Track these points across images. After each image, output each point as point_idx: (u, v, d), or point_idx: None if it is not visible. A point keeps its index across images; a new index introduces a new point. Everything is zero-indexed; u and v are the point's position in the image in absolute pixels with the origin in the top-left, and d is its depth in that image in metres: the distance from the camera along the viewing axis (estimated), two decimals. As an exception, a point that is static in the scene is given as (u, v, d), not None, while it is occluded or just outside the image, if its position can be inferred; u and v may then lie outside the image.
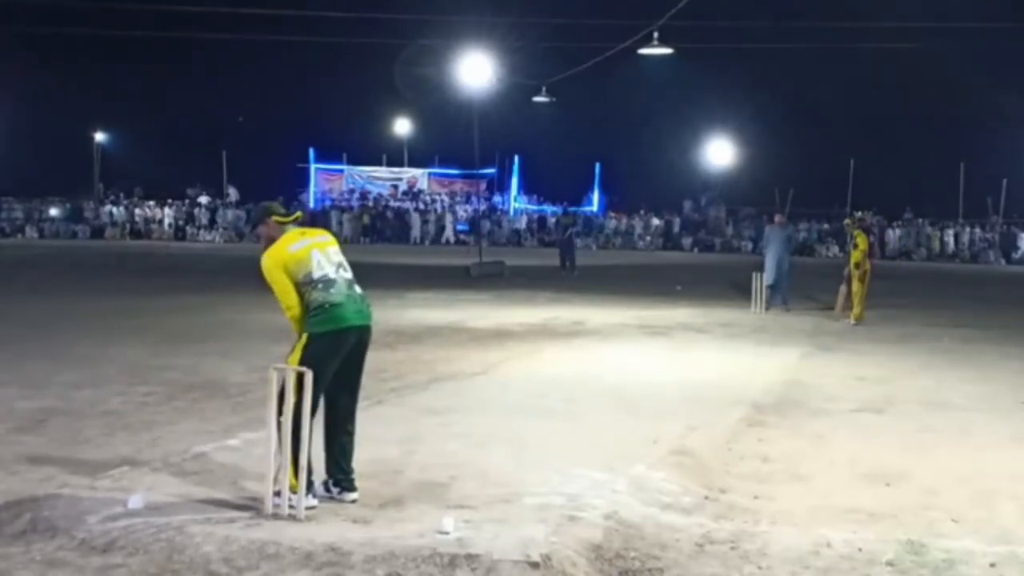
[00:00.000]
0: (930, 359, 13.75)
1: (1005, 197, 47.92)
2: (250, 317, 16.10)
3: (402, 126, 57.36)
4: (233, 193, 53.57)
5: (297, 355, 6.20)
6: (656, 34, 26.68)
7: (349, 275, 6.46)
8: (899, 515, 6.48)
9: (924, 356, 14.05)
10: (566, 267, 29.69)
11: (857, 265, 17.81)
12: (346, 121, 52.59)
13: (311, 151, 54.41)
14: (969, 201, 49.33)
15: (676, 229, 52.46)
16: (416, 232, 50.83)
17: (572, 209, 46.94)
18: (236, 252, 38.27)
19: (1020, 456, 8.25)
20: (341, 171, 55.60)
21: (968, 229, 48.31)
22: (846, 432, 8.99)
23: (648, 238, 52.30)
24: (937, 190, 48.12)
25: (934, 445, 8.56)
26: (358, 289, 6.48)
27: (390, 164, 56.69)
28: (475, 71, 32.42)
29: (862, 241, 18.23)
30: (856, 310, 17.72)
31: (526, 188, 55.79)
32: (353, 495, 6.37)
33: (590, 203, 54.84)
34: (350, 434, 6.50)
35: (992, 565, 5.59)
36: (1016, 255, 45.70)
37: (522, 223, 53.26)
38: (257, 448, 6.86)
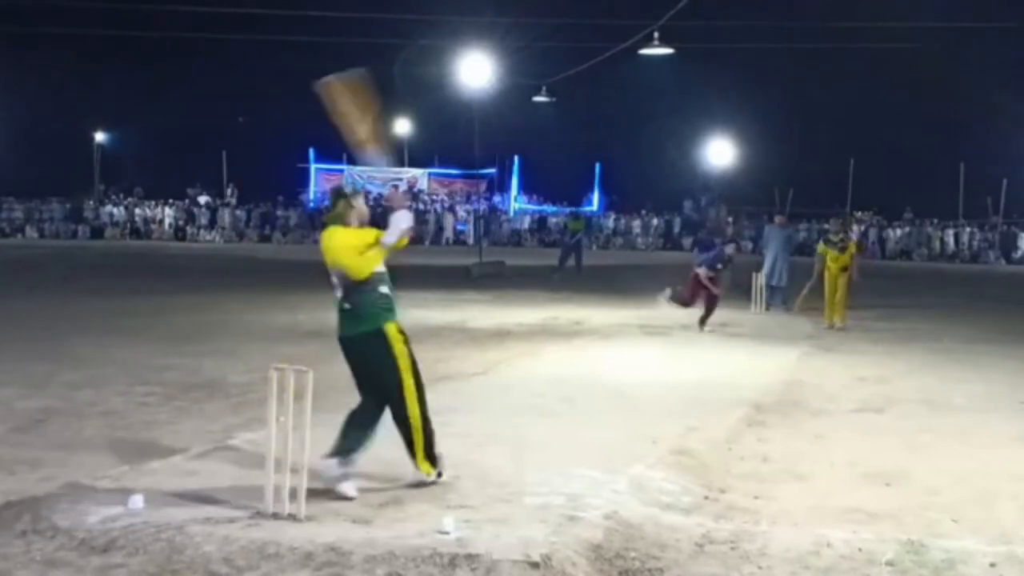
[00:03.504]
0: (930, 359, 13.75)
1: (1005, 197, 47.93)
2: (250, 317, 16.11)
3: (402, 126, 57.38)
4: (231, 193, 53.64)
5: None
6: (656, 34, 26.68)
7: (336, 282, 6.62)
8: (899, 515, 6.49)
9: (924, 356, 14.05)
10: (562, 268, 28.88)
11: (845, 268, 17.14)
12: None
13: (311, 151, 54.40)
14: (969, 201, 49.34)
15: (676, 229, 52.48)
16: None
17: (579, 210, 46.75)
18: (237, 252, 38.27)
19: (1020, 456, 8.25)
20: (341, 171, 55.61)
21: (968, 229, 48.32)
22: (846, 432, 9.00)
23: (648, 238, 52.32)
24: (937, 190, 48.12)
25: (934, 445, 8.56)
26: (340, 295, 6.61)
27: (390, 164, 56.70)
28: (475, 71, 32.42)
29: (851, 244, 17.97)
30: (840, 313, 17.09)
31: (526, 188, 55.79)
32: (349, 488, 6.41)
33: (590, 203, 54.83)
34: (372, 425, 6.71)
35: (992, 565, 5.59)
36: (1016, 255, 45.68)
37: (523, 223, 53.27)
38: (257, 448, 6.86)
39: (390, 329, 6.58)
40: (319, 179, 55.13)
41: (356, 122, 6.93)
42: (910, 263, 43.53)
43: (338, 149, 54.08)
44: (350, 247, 6.57)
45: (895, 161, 47.80)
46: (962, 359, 13.81)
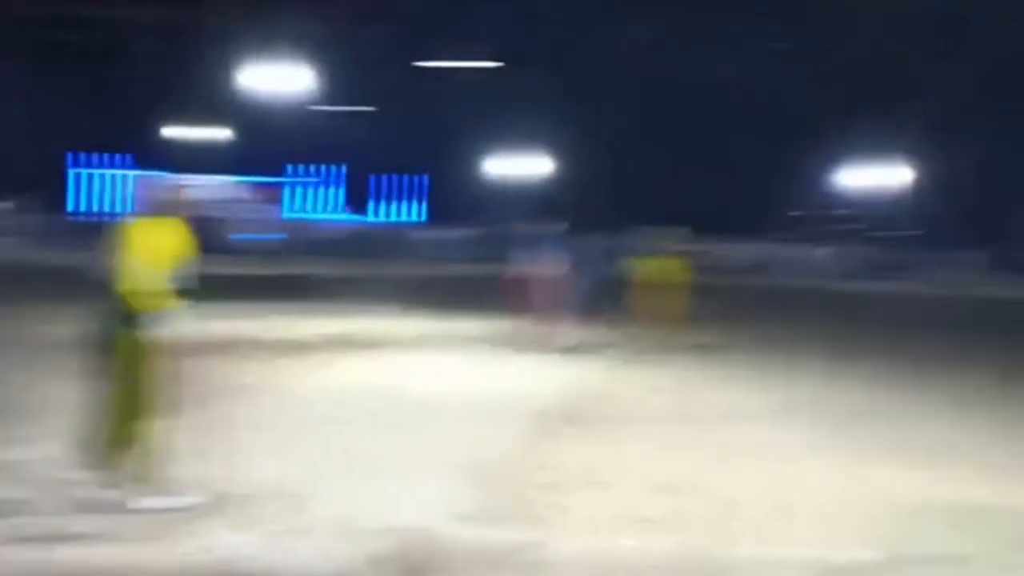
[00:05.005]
0: (728, 371, 14.01)
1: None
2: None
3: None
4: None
5: None
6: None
7: None
8: (695, 525, 6.59)
9: (723, 368, 14.29)
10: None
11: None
12: None
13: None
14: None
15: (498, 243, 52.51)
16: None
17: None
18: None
19: (816, 467, 8.42)
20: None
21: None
22: (645, 442, 9.10)
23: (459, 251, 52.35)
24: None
25: (731, 456, 8.70)
26: None
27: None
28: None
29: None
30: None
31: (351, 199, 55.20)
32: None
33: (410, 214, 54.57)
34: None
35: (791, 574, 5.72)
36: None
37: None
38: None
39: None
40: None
41: None
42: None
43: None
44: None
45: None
46: (760, 370, 14.10)
